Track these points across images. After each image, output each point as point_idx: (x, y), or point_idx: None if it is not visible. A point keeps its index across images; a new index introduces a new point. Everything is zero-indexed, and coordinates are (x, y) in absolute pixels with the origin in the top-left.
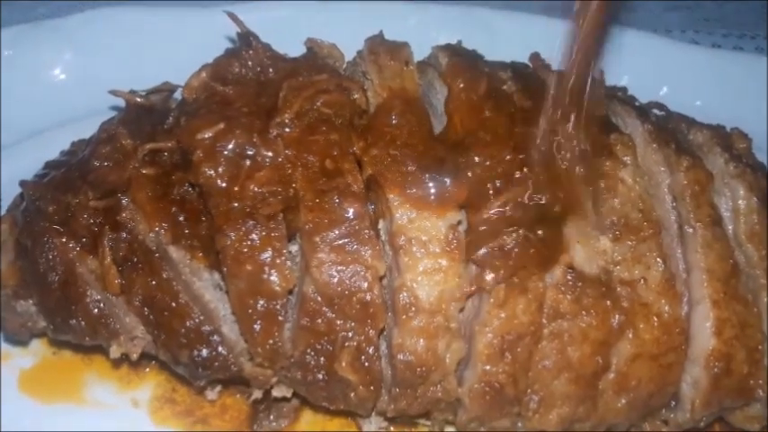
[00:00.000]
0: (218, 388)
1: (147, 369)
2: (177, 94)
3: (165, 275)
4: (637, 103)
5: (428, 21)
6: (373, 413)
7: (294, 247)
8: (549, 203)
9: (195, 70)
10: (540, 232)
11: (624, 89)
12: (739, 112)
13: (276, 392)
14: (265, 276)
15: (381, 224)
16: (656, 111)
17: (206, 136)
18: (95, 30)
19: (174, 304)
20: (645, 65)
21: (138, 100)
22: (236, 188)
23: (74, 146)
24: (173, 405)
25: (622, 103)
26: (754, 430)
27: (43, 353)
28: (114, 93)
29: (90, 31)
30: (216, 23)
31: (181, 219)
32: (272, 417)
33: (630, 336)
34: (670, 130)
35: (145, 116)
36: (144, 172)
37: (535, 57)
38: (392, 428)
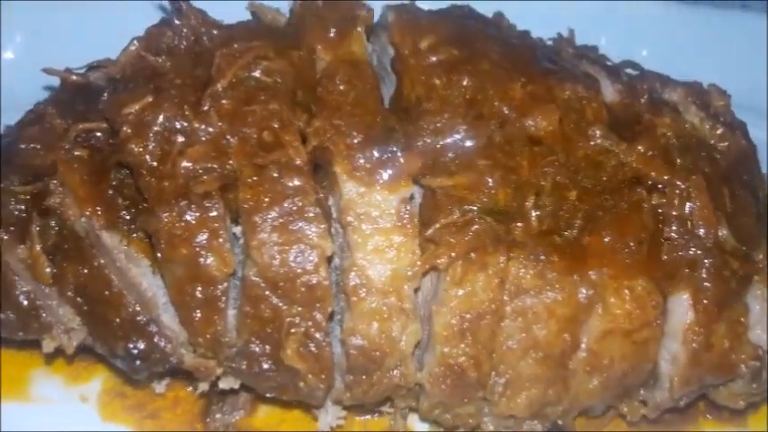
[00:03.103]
0: (167, 380)
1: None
2: None
3: (96, 263)
4: (609, 63)
5: None
6: (329, 402)
7: (239, 229)
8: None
9: None
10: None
11: (595, 48)
12: (725, 70)
13: (223, 384)
14: (202, 260)
15: (332, 200)
16: (629, 70)
17: (132, 110)
18: (46, 10)
19: (107, 293)
20: (623, 26)
21: (74, 78)
22: (167, 166)
23: (6, 130)
24: (123, 399)
25: (592, 63)
26: (739, 408)
27: None
28: (48, 71)
29: (41, 11)
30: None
31: (119, 202)
32: (225, 409)
33: (600, 311)
34: (643, 89)
35: (81, 95)
36: (76, 154)
37: (499, 16)
38: (358, 418)
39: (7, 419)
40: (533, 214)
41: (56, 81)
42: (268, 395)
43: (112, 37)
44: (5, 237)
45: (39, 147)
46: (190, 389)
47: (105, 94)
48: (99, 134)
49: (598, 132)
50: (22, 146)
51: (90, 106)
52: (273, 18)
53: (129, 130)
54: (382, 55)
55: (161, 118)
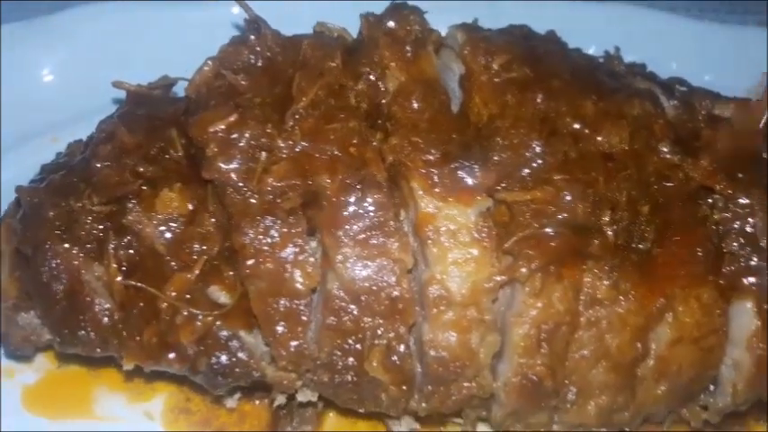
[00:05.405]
0: (238, 395)
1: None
2: (175, 89)
3: None
4: (658, 80)
5: None
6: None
7: (313, 243)
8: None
9: (199, 65)
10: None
11: (643, 65)
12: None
13: (301, 397)
14: (288, 275)
15: (403, 215)
16: (678, 86)
17: (218, 129)
18: (85, 27)
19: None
20: (653, 42)
21: (141, 92)
22: (252, 183)
23: (70, 147)
24: (188, 415)
25: (646, 80)
26: None
27: (47, 367)
28: (117, 84)
29: (80, 28)
30: (209, 19)
31: None
32: (294, 423)
33: (670, 319)
34: (700, 105)
35: (143, 112)
36: (148, 173)
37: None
38: (421, 428)
39: None
40: (610, 228)
41: (97, 99)
42: (346, 407)
43: (146, 55)
44: (83, 255)
45: (113, 165)
46: (257, 402)
47: (173, 111)
48: (171, 152)
49: (666, 148)
50: (98, 164)
51: (155, 123)
52: (340, 36)
53: (215, 148)
54: (444, 72)
55: (247, 136)
